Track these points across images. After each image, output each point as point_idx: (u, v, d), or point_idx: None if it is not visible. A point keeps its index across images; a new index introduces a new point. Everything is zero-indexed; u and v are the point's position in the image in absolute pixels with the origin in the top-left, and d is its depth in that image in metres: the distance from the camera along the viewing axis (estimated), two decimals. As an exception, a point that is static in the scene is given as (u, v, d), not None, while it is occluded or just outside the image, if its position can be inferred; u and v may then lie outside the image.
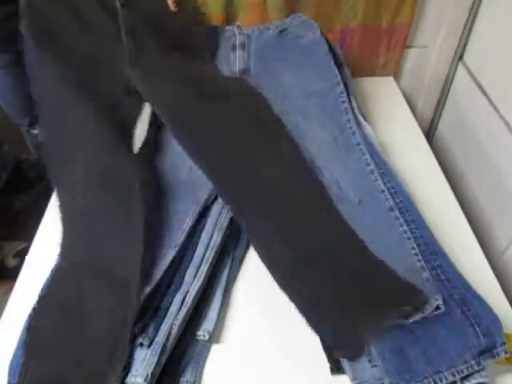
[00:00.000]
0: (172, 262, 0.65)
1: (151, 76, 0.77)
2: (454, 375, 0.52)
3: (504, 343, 0.53)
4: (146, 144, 0.75)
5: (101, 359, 0.54)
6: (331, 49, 0.89)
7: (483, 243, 0.73)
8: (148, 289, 0.60)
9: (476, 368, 0.52)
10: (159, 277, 0.62)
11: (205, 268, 0.64)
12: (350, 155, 0.78)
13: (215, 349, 0.61)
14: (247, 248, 0.72)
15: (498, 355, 0.53)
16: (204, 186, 0.74)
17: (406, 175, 0.78)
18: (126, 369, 0.54)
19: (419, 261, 0.62)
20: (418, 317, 0.55)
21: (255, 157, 0.71)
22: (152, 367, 0.54)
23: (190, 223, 0.69)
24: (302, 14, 0.92)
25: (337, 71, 0.86)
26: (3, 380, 0.55)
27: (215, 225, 0.70)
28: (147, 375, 0.53)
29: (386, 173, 0.74)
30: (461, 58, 1.04)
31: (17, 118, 1.08)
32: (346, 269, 0.59)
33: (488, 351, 0.53)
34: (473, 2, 0.96)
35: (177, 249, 0.66)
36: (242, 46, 0.87)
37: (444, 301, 0.57)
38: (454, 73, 1.06)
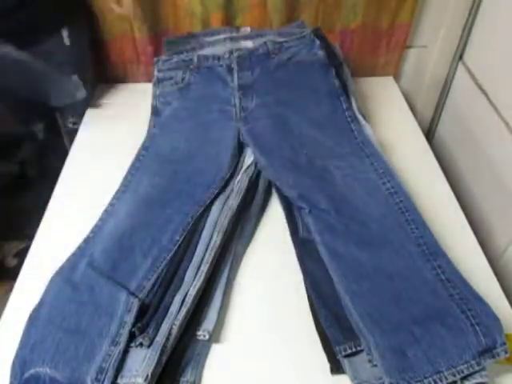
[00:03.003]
0: (171, 261, 0.65)
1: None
2: (454, 375, 0.52)
3: (504, 343, 0.53)
4: None
5: None
6: (329, 48, 0.89)
7: (483, 243, 0.73)
8: (148, 284, 0.60)
9: (476, 368, 0.52)
10: (156, 276, 0.62)
11: (205, 268, 0.64)
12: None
13: (215, 349, 0.61)
14: (248, 244, 0.73)
15: (498, 355, 0.53)
16: (204, 186, 0.74)
17: (406, 175, 0.78)
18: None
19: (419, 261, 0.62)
20: None
21: None
22: (152, 367, 0.54)
23: (190, 223, 0.70)
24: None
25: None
26: (4, 380, 0.55)
27: (215, 225, 0.70)
28: (147, 375, 0.53)
29: (386, 173, 0.74)
30: (461, 57, 1.04)
31: (15, 117, 1.08)
32: None
33: (488, 351, 0.53)
34: (473, 2, 0.96)
35: (176, 248, 0.66)
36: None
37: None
38: (454, 73, 1.06)
